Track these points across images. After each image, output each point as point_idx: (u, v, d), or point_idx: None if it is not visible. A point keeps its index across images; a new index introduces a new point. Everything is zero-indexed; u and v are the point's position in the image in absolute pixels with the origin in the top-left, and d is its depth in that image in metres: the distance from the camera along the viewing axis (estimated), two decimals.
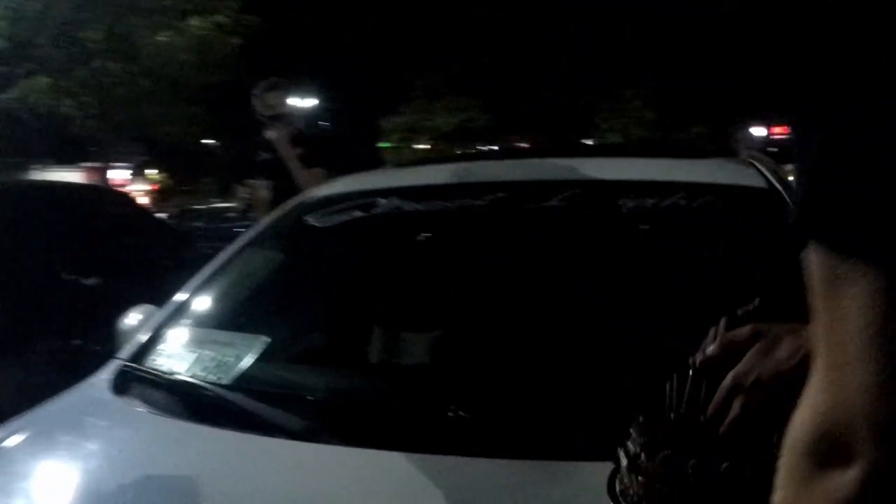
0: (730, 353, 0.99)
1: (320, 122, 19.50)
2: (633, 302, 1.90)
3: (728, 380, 0.97)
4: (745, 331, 0.99)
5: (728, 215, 2.04)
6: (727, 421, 0.98)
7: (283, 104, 4.84)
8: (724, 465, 1.03)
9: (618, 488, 1.14)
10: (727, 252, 1.98)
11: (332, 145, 6.38)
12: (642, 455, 1.08)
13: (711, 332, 1.10)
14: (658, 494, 1.06)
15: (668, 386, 1.10)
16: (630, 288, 1.96)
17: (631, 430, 1.13)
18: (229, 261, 2.34)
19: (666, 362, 1.23)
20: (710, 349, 1.03)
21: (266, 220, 2.65)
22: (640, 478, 1.08)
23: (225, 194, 22.62)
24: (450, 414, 1.53)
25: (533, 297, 2.05)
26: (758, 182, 2.10)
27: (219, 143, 29.17)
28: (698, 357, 1.08)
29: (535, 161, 2.62)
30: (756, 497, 1.00)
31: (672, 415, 1.09)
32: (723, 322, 1.09)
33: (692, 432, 1.06)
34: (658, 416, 1.12)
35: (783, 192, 2.03)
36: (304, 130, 5.00)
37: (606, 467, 1.19)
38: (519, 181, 2.33)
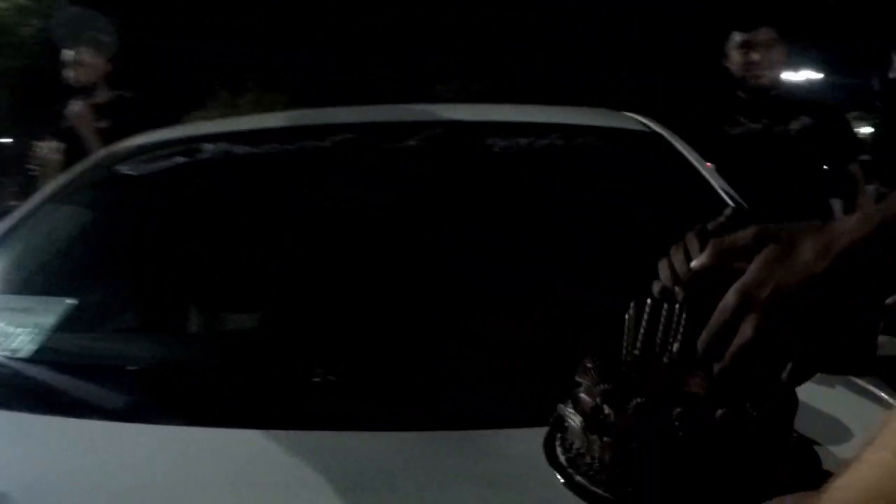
0: (726, 264, 0.76)
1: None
2: (514, 245, 1.66)
3: (732, 297, 0.72)
4: (747, 234, 0.74)
5: (610, 155, 1.86)
6: (732, 351, 0.72)
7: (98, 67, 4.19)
8: (720, 411, 0.79)
9: (563, 456, 0.89)
10: (609, 193, 1.80)
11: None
12: (605, 408, 0.82)
13: (671, 257, 0.88)
14: (634, 456, 0.81)
15: (627, 318, 0.87)
16: (508, 231, 1.71)
17: (579, 380, 0.88)
18: (25, 218, 1.94)
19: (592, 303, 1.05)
20: (700, 260, 0.78)
21: (69, 173, 2.24)
22: (603, 438, 0.82)
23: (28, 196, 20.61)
24: (316, 380, 1.25)
25: (398, 245, 1.77)
26: (638, 126, 1.96)
27: (13, 140, 26.62)
28: (666, 276, 0.86)
29: (389, 106, 2.33)
30: (761, 446, 0.80)
31: (637, 354, 0.86)
32: (692, 238, 0.86)
33: (671, 373, 0.83)
34: (617, 359, 0.88)
35: (666, 136, 1.90)
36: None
37: (532, 433, 0.95)
38: (370, 122, 2.06)
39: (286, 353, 1.40)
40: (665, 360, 0.83)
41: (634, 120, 2.02)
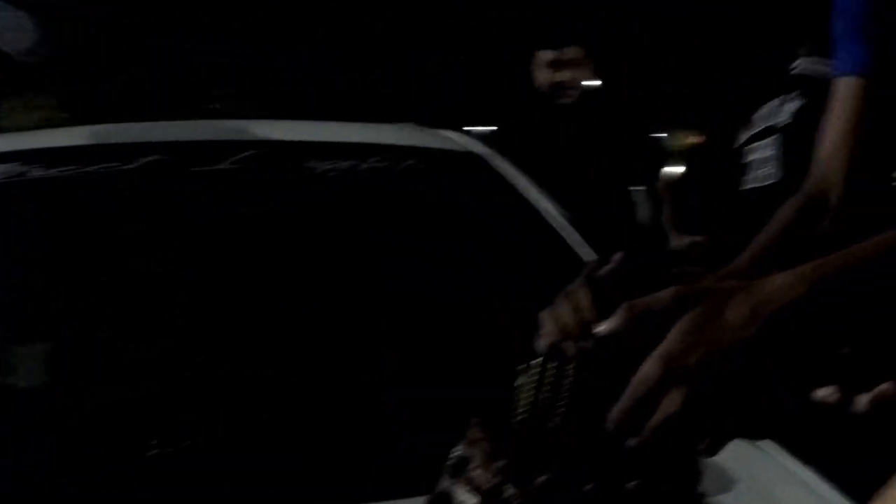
0: (638, 328, 0.68)
1: None
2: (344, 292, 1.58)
3: (654, 367, 0.65)
4: (667, 294, 0.67)
5: (436, 179, 1.83)
6: (654, 426, 0.66)
7: None
8: (632, 484, 0.72)
9: None
10: (432, 221, 1.77)
11: None
12: (507, 487, 0.72)
13: (557, 308, 0.79)
14: None
15: (519, 380, 0.76)
16: (337, 263, 1.65)
17: (467, 453, 0.77)
18: None
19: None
20: (610, 325, 0.69)
21: None
22: None
23: None
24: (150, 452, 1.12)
25: (208, 286, 1.65)
26: (457, 146, 1.95)
27: None
28: (552, 331, 0.77)
29: (199, 122, 2.21)
30: None
31: (528, 420, 0.75)
32: (581, 288, 0.78)
33: (570, 442, 0.74)
34: (507, 427, 0.77)
35: (485, 157, 1.90)
36: None
37: None
38: (179, 142, 1.94)
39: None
40: (562, 426, 0.74)
41: (451, 140, 2.00)
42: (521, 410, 0.75)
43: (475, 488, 0.74)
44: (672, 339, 0.65)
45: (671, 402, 0.65)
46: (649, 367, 0.65)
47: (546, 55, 3.05)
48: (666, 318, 0.66)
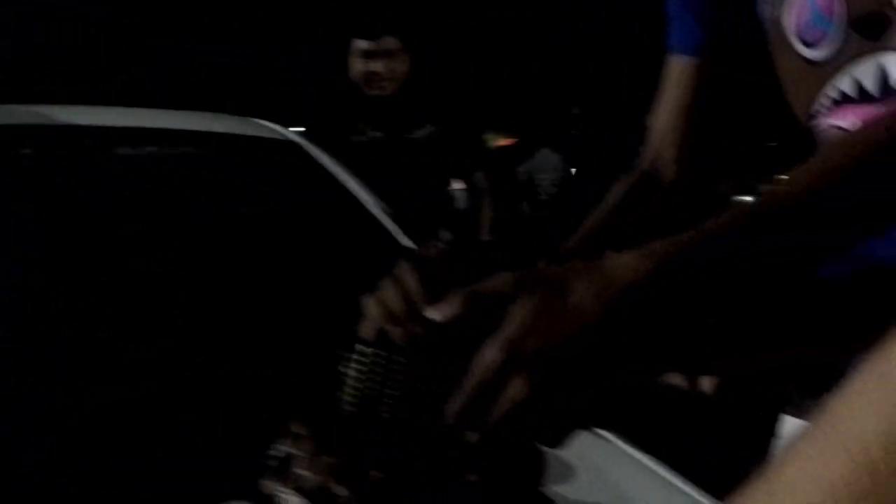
0: (475, 313, 0.62)
1: None
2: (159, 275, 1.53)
3: (494, 354, 0.60)
4: (507, 278, 0.62)
5: (246, 165, 1.80)
6: (497, 417, 0.60)
7: None
8: (473, 478, 0.67)
9: None
10: (247, 206, 1.74)
11: None
12: (335, 487, 0.67)
13: (383, 293, 0.72)
14: None
15: (344, 370, 0.69)
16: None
17: (289, 450, 0.71)
18: None
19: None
20: (444, 310, 0.63)
21: None
22: None
23: None
24: None
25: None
26: (272, 134, 1.93)
27: None
28: (378, 316, 0.70)
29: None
30: None
31: (355, 412, 0.69)
32: (408, 274, 0.72)
33: (403, 435, 0.69)
34: (332, 420, 0.71)
35: (303, 145, 1.89)
36: None
37: None
38: None
39: None
40: (393, 418, 0.68)
41: (267, 128, 1.97)
42: (347, 401, 0.69)
43: (299, 489, 0.67)
44: (513, 322, 0.60)
45: (514, 390, 0.60)
46: (489, 354, 0.60)
47: (361, 45, 3.03)
48: (505, 302, 0.61)
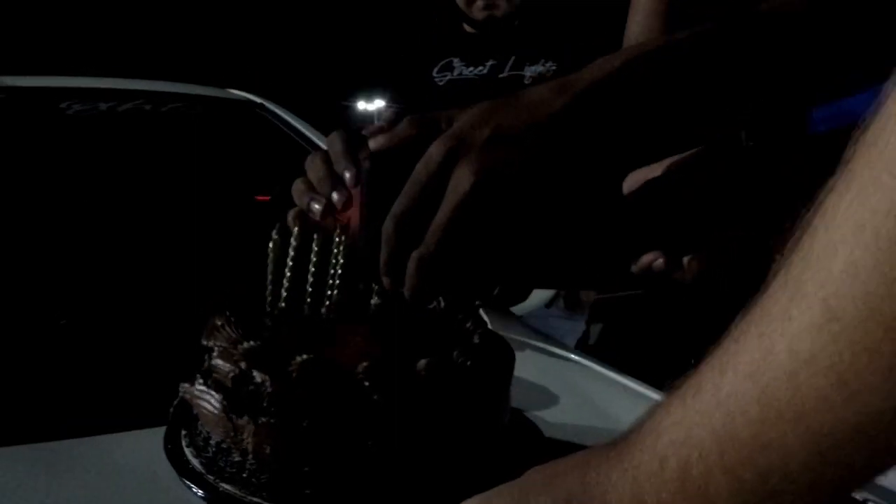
0: (424, 139, 0.55)
1: None
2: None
3: (437, 147, 0.53)
4: (411, 121, 0.57)
5: (208, 123, 1.73)
6: (440, 220, 0.53)
7: None
8: (423, 362, 0.60)
9: (196, 459, 0.64)
10: (209, 162, 1.66)
11: None
12: (254, 373, 0.59)
13: (307, 167, 0.61)
14: (305, 439, 0.58)
15: (269, 252, 0.63)
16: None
17: (208, 343, 0.65)
18: None
19: None
20: (390, 135, 0.57)
21: None
22: (258, 419, 0.58)
23: None
24: None
25: None
26: (238, 97, 1.88)
27: None
28: (305, 191, 0.59)
29: None
30: (475, 407, 0.64)
31: (284, 296, 0.63)
32: (335, 139, 0.61)
33: (337, 316, 0.63)
34: (259, 309, 0.65)
35: (266, 105, 1.83)
36: None
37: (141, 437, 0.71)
38: None
39: None
40: (325, 301, 0.63)
41: (235, 93, 1.93)
42: (277, 287, 0.64)
43: (215, 384, 0.60)
44: (462, 119, 0.54)
45: (458, 181, 0.52)
46: (433, 148, 0.53)
47: None
48: (452, 121, 0.55)
